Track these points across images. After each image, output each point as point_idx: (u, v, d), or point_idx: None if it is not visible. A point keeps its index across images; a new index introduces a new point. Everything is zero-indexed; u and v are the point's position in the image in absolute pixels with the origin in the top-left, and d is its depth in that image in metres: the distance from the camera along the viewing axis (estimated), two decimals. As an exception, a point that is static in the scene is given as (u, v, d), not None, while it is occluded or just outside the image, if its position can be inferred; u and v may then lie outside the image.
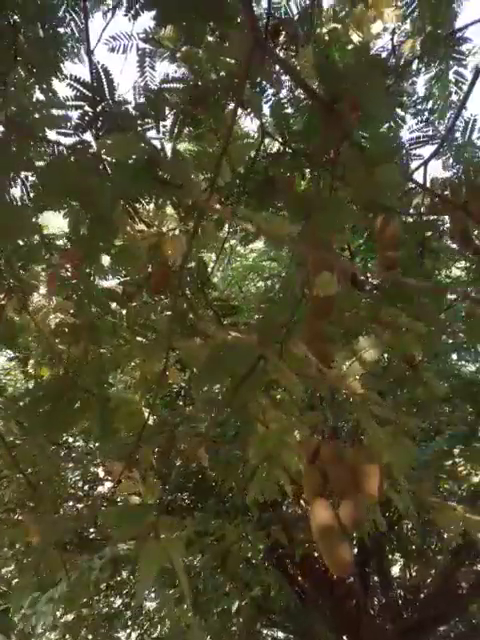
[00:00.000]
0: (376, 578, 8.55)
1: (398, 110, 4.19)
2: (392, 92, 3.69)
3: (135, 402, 2.35)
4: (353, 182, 1.84)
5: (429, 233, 3.01)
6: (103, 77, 2.29)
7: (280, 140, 2.31)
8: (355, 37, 3.34)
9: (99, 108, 2.29)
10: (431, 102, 4.08)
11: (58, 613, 5.03)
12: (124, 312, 2.94)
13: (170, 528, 1.33)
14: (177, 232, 1.75)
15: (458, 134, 3.18)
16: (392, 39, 3.90)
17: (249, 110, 2.06)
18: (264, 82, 2.07)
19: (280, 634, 10.69)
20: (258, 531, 5.53)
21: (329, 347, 1.41)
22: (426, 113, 3.96)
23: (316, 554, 7.92)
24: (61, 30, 2.23)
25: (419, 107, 4.15)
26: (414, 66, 4.14)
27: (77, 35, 2.30)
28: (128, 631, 8.35)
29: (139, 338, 2.49)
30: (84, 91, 2.27)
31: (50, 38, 2.27)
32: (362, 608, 7.78)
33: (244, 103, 1.94)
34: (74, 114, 2.30)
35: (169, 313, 2.77)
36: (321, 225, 1.69)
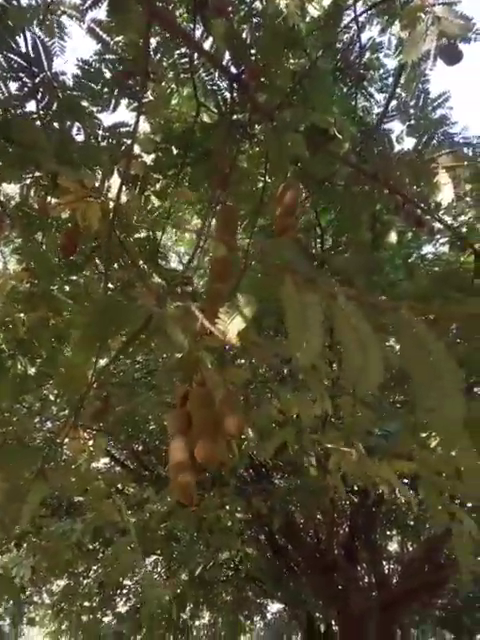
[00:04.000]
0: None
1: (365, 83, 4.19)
2: (352, 66, 3.70)
3: (77, 366, 2.45)
4: (268, 151, 1.89)
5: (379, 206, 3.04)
6: (41, 49, 2.35)
7: (214, 111, 2.36)
8: (312, 9, 3.34)
9: (37, 80, 2.35)
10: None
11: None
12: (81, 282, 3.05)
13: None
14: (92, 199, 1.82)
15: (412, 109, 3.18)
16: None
17: (155, 79, 2.11)
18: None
19: (274, 604, 11.02)
20: (239, 502, 5.70)
21: (218, 306, 1.48)
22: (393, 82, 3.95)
23: (302, 525, 8.12)
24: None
25: (385, 81, 4.15)
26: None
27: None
28: (124, 599, 8.66)
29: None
30: (22, 62, 2.34)
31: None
32: (350, 579, 7.98)
33: (150, 74, 1.98)
34: (13, 86, 2.38)
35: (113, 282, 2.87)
36: (236, 197, 1.76)
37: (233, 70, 1.70)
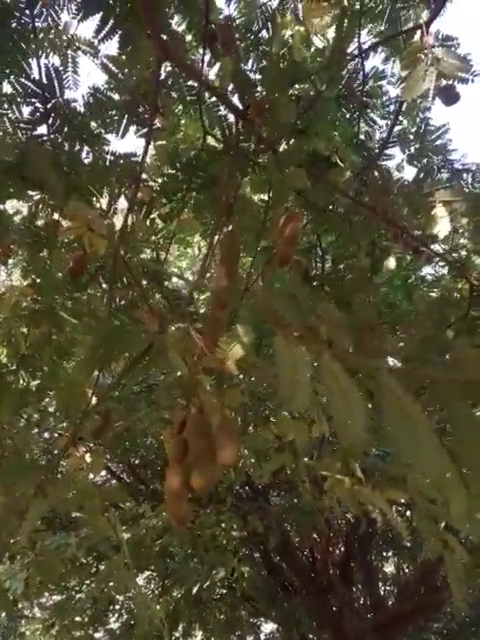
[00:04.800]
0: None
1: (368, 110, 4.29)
2: (355, 93, 3.80)
3: (79, 383, 2.49)
4: (271, 181, 1.96)
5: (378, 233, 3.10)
6: (53, 76, 2.43)
7: (220, 139, 2.44)
8: (317, 40, 3.45)
9: (49, 105, 2.43)
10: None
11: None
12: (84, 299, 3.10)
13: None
14: (101, 225, 1.88)
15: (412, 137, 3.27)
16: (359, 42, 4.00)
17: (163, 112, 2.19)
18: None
19: (268, 625, 10.88)
20: (235, 519, 5.69)
21: (218, 334, 1.53)
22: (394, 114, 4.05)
23: (297, 544, 8.08)
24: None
25: (387, 108, 4.25)
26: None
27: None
28: (116, 615, 8.57)
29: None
30: (35, 89, 2.42)
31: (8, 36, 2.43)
32: (344, 601, 7.91)
33: (158, 107, 2.06)
34: (26, 110, 2.46)
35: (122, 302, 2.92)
36: (239, 225, 1.82)
37: (238, 105, 1.77)
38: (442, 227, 2.06)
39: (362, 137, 4.59)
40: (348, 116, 4.36)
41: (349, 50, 3.74)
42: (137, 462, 7.14)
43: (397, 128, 4.14)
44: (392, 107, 4.26)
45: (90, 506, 2.18)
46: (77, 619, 7.85)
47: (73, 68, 2.33)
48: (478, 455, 0.66)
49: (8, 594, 4.54)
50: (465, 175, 4.86)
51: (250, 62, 3.05)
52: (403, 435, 0.66)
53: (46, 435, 5.74)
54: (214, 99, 2.22)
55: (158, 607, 5.61)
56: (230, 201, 1.80)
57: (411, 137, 3.29)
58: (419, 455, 0.66)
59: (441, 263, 5.23)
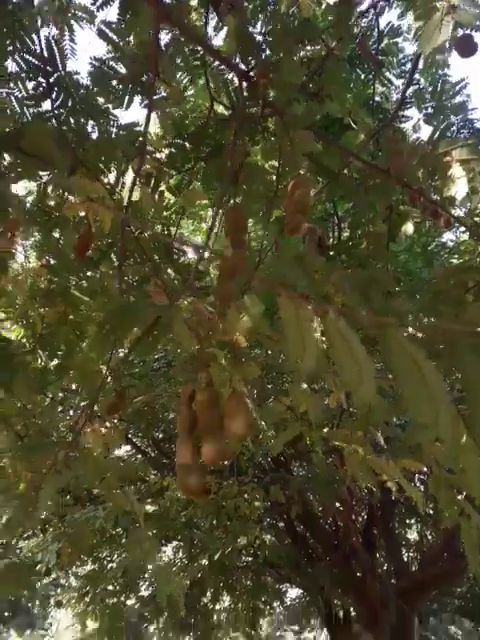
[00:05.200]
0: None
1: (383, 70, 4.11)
2: (370, 52, 3.63)
3: (93, 361, 2.51)
4: (281, 148, 1.89)
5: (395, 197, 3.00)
6: (55, 49, 2.37)
7: (228, 105, 2.36)
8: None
9: (52, 79, 2.38)
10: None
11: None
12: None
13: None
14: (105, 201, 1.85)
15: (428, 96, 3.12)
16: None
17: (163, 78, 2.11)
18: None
19: (293, 590, 11.15)
20: (258, 490, 5.77)
21: (226, 305, 1.51)
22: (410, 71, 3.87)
23: (320, 513, 8.18)
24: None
25: (404, 67, 4.06)
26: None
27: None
28: (146, 583, 8.87)
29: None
30: (37, 63, 2.36)
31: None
32: (367, 567, 8.02)
33: (159, 74, 1.98)
34: (29, 85, 2.41)
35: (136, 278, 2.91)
36: (248, 194, 1.77)
37: (243, 67, 1.69)
38: (459, 188, 1.97)
39: (378, 99, 4.41)
40: (363, 77, 4.19)
41: (364, 6, 3.56)
42: (161, 436, 7.27)
43: (414, 87, 3.96)
44: (409, 65, 4.07)
45: (106, 481, 2.22)
46: (109, 588, 8.16)
47: (70, 36, 2.26)
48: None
49: (40, 565, 4.73)
50: (485, 134, 4.66)
51: (259, 24, 2.92)
52: (415, 394, 0.62)
53: (72, 413, 5.86)
54: (219, 64, 2.13)
55: (183, 575, 5.77)
56: (235, 169, 1.74)
57: (427, 96, 3.14)
58: (432, 413, 0.62)
59: (462, 229, 5.07)
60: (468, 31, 1.82)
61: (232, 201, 1.94)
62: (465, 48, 1.79)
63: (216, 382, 1.82)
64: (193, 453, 1.24)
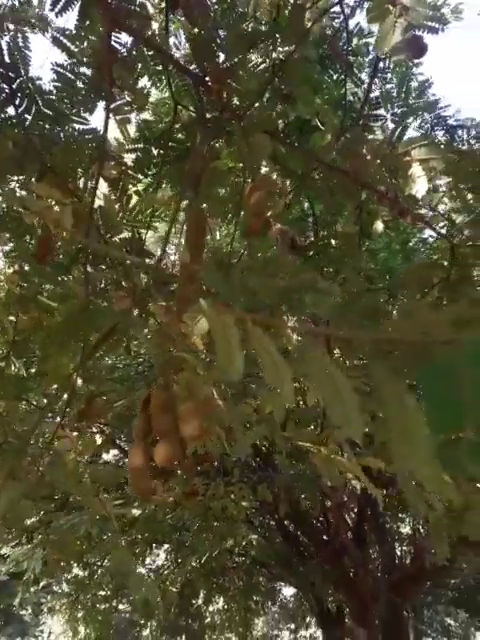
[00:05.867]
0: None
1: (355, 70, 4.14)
2: (340, 53, 3.65)
3: (65, 366, 2.50)
4: (240, 152, 1.90)
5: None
6: (17, 54, 2.36)
7: (192, 110, 2.37)
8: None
9: (15, 85, 2.37)
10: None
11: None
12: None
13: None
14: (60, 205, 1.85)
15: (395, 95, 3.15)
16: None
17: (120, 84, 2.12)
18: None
19: (288, 589, 11.20)
20: (245, 490, 5.78)
21: (183, 309, 1.51)
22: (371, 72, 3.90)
23: (309, 510, 8.21)
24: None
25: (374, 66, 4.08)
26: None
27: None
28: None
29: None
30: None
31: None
32: (358, 563, 8.06)
33: (114, 81, 1.99)
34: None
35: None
36: (207, 197, 1.78)
37: (198, 72, 1.70)
38: (419, 187, 1.99)
39: (351, 98, 4.43)
40: (335, 77, 4.21)
41: (334, 9, 3.58)
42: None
43: (388, 86, 3.98)
44: (381, 65, 4.10)
45: (82, 487, 2.22)
46: (101, 593, 8.14)
47: (24, 44, 2.25)
48: (400, 419, 0.64)
49: (27, 574, 4.69)
50: (460, 131, 4.70)
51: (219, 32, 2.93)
52: (328, 397, 0.65)
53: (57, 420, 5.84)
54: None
55: (173, 578, 5.77)
56: (197, 172, 1.75)
57: (394, 95, 3.17)
58: (343, 415, 0.64)
59: (421, 225, 5.11)
60: (418, 32, 1.85)
61: (193, 205, 1.95)
62: (415, 49, 1.82)
63: (191, 385, 1.83)
64: (145, 456, 1.25)
